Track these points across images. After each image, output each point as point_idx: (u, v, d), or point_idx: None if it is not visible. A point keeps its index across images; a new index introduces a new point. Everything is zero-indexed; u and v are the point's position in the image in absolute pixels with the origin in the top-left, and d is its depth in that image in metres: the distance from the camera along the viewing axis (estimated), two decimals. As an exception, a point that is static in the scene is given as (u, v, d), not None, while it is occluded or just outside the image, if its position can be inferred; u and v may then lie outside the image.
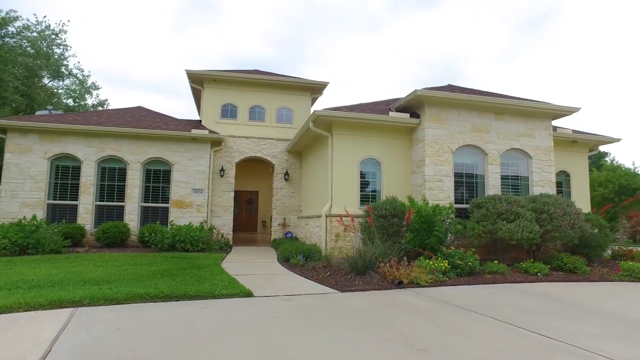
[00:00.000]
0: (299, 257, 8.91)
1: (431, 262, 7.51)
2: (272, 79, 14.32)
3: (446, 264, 7.56)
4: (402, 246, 8.09)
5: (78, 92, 26.16)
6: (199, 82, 14.17)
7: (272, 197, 14.60)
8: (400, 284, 6.72)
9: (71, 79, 24.90)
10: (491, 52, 67.98)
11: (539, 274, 7.94)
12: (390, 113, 10.11)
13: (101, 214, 12.25)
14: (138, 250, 10.99)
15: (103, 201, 12.28)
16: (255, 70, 15.69)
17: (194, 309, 4.83)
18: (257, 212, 22.79)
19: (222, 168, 13.49)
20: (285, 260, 9.45)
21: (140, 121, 13.36)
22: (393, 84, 70.77)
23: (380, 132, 10.30)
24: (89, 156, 12.16)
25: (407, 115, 10.13)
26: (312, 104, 15.10)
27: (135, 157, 12.46)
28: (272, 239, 14.04)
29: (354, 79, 70.43)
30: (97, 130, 12.04)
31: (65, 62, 23.62)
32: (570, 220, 8.60)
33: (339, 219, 9.21)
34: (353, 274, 7.24)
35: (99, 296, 4.99)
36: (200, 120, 14.14)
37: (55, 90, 24.44)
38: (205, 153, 12.96)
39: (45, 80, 23.21)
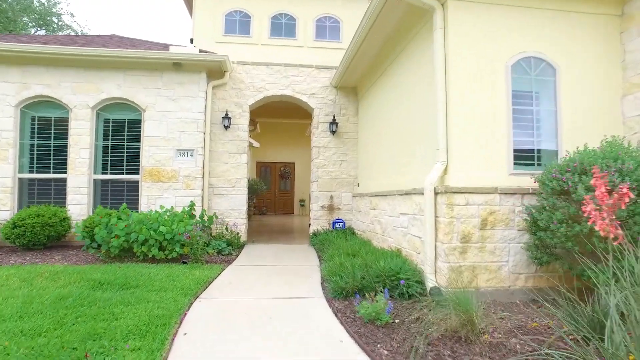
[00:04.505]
0: (382, 299, 3.43)
1: None
2: (307, -34, 8.61)
3: None
4: None
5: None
6: (189, -21, 8.78)
7: (310, 163, 9.16)
8: None
9: (64, 32, 20.18)
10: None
11: None
12: None
13: (32, 192, 7.40)
14: (72, 258, 6.04)
15: (33, 172, 7.41)
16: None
17: None
18: (293, 188, 17.76)
19: (227, 114, 8.11)
20: (340, 296, 4.05)
21: (100, 47, 8.25)
22: None
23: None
24: (2, 97, 7.25)
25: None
26: (371, 12, 9.24)
27: (82, 99, 7.41)
28: (311, 231, 8.60)
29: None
30: (11, 50, 7.03)
31: (53, 10, 19.01)
32: None
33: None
34: None
35: None
36: (192, 40, 8.78)
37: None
38: (197, 89, 7.67)
39: (32, 32, 18.79)
